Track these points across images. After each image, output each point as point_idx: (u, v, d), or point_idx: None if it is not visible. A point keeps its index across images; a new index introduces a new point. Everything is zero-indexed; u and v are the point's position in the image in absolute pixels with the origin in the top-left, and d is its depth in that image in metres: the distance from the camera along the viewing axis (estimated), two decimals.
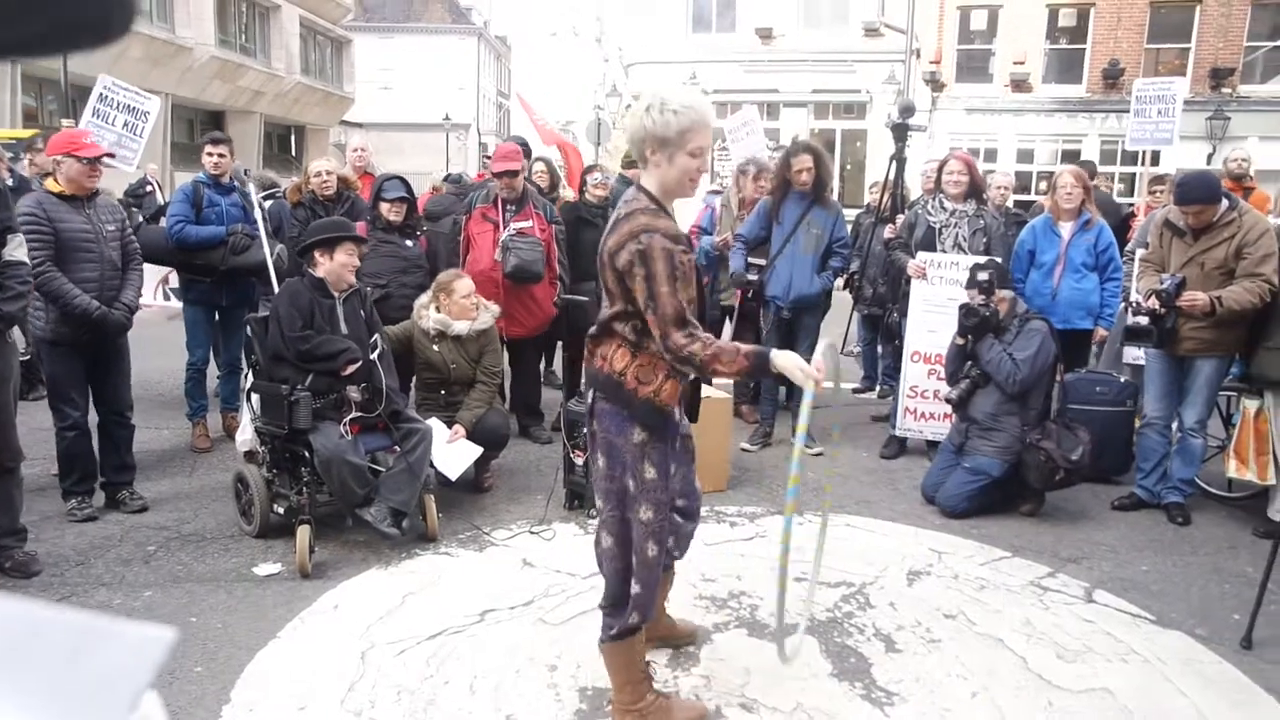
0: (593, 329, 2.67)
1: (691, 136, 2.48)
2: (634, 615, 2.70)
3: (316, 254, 4.27)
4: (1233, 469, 4.70)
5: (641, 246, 2.44)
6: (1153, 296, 4.58)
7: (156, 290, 6.44)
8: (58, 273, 4.27)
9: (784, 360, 2.49)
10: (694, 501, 3.03)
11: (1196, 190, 4.52)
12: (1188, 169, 5.78)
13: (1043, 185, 18.05)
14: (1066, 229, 5.50)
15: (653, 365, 2.56)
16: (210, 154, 5.60)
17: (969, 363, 4.94)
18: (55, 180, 4.43)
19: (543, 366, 7.04)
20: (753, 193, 6.14)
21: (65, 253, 4.32)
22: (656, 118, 2.46)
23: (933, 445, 5.62)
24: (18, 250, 3.98)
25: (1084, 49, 20.01)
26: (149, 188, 11.95)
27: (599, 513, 2.75)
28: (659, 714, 2.78)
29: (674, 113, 2.46)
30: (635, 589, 2.68)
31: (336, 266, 4.24)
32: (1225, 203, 4.55)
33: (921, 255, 5.58)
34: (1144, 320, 4.64)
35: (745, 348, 2.54)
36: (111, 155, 4.58)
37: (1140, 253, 5.02)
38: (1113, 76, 19.45)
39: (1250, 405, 4.61)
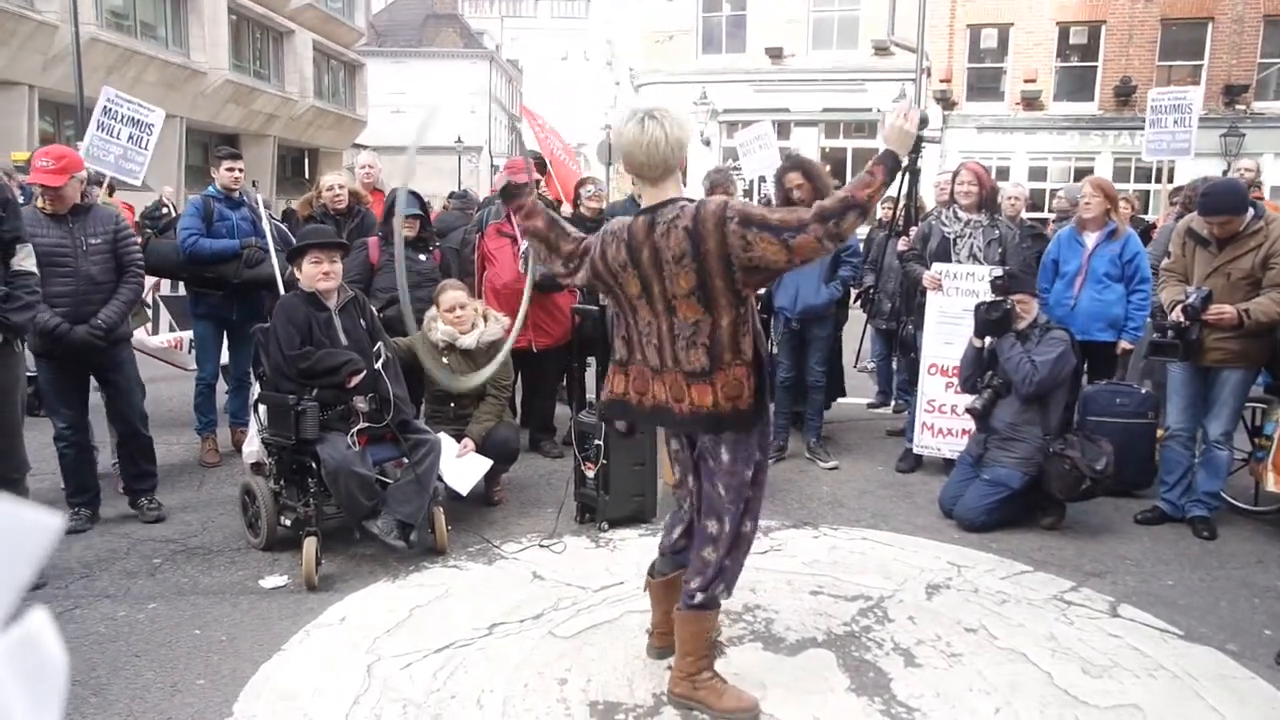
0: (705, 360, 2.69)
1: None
2: (720, 587, 2.89)
3: (293, 268, 4.24)
4: (1271, 483, 4.57)
5: (734, 215, 2.56)
6: (1177, 309, 4.48)
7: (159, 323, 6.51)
8: None
9: (899, 148, 2.65)
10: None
11: (1223, 200, 4.42)
12: (1212, 177, 5.71)
13: (1055, 203, 17.97)
14: (1091, 239, 5.42)
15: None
16: (231, 169, 5.63)
17: (989, 372, 4.86)
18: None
19: None
20: None
21: (41, 269, 4.27)
22: (677, 129, 2.64)
23: (950, 461, 5.52)
24: (26, 260, 3.97)
25: (1095, 66, 19.96)
26: (164, 209, 12.02)
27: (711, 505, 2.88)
28: (709, 691, 2.89)
29: (680, 123, 2.67)
30: (728, 561, 2.88)
31: (306, 278, 4.20)
32: (1251, 211, 4.46)
33: (936, 266, 5.51)
34: (1169, 334, 4.53)
35: (870, 170, 2.59)
36: (53, 185, 4.40)
37: (1163, 262, 4.93)
38: (1125, 94, 19.39)
39: None
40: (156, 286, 6.39)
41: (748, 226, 2.53)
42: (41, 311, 4.26)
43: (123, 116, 5.87)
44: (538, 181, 6.07)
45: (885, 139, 2.67)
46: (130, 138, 5.85)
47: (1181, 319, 4.43)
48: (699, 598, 2.89)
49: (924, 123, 6.47)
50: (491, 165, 39.76)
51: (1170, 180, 9.85)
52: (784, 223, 2.52)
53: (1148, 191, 18.89)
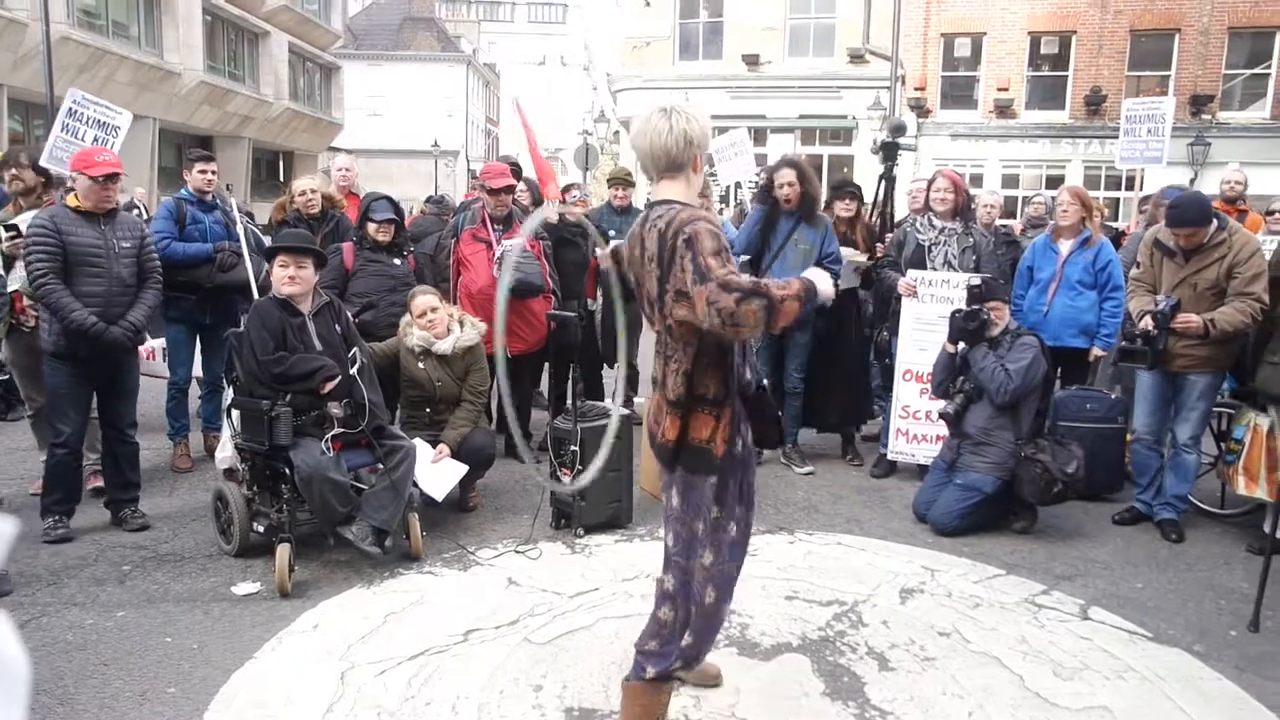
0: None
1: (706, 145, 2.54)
2: (678, 662, 2.63)
3: (268, 270, 4.24)
4: (1242, 486, 4.65)
5: (687, 235, 2.34)
6: (1146, 318, 4.57)
7: None
8: (59, 285, 4.24)
9: (820, 282, 2.44)
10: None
11: (1189, 212, 4.51)
12: (1178, 186, 5.80)
13: (1028, 210, 18.20)
14: (1065, 246, 5.51)
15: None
16: (204, 171, 5.58)
17: (961, 377, 4.92)
18: (75, 196, 4.42)
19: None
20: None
21: (72, 267, 4.30)
22: (683, 123, 2.45)
23: (924, 467, 5.56)
24: None
25: (1066, 76, 20.28)
26: (135, 211, 11.89)
27: (665, 553, 2.66)
28: None
29: (691, 118, 2.48)
30: (687, 638, 2.61)
31: (274, 280, 4.18)
32: (1215, 223, 4.55)
33: (912, 273, 5.55)
34: (1138, 342, 4.62)
35: (789, 287, 2.34)
36: (122, 173, 4.52)
37: (1132, 272, 5.02)
38: (1095, 103, 19.70)
39: (1263, 422, 4.56)
40: None
41: (689, 248, 2.32)
42: (78, 311, 4.23)
43: (88, 119, 5.77)
44: (512, 187, 6.06)
45: (811, 274, 2.48)
46: (95, 140, 5.75)
47: (1150, 327, 4.51)
48: (650, 671, 2.62)
49: (900, 130, 6.59)
50: (469, 169, 39.63)
51: (1140, 188, 9.97)
52: (708, 267, 2.27)
53: (1118, 199, 19.17)
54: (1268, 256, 4.74)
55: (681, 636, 2.62)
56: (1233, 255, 4.47)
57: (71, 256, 4.29)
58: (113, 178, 4.40)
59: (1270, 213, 5.92)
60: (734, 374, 2.50)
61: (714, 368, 2.46)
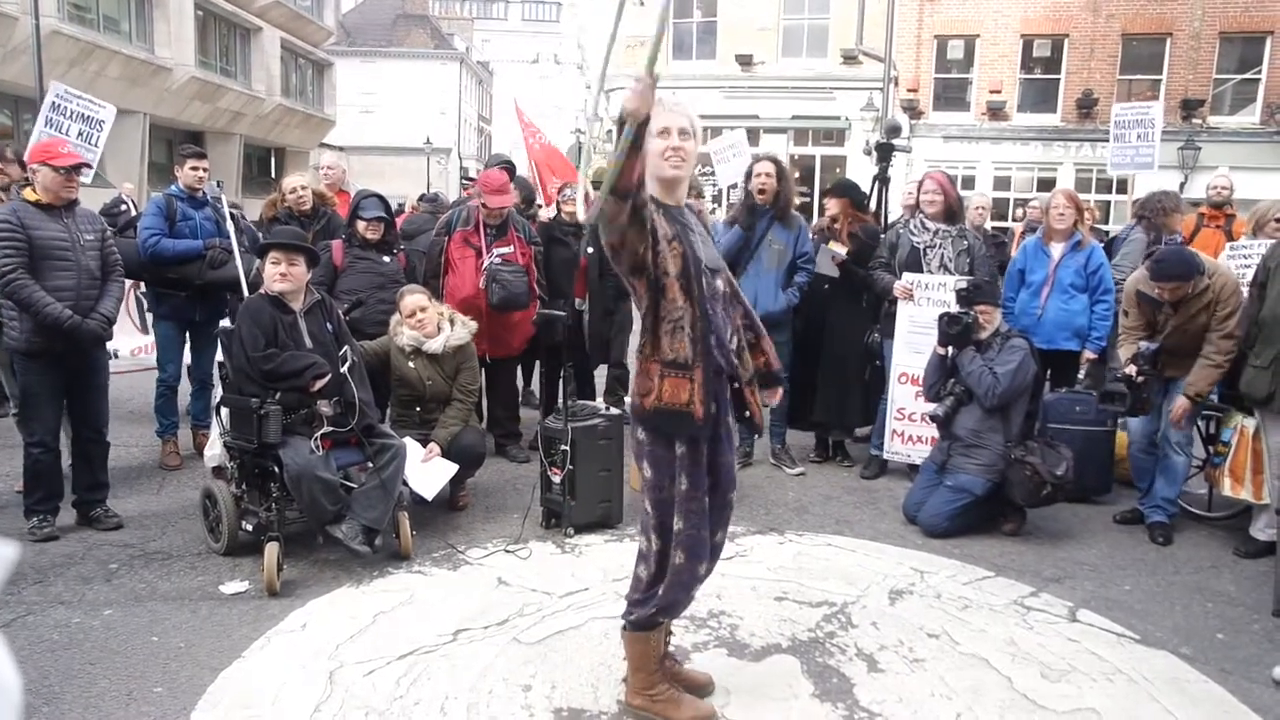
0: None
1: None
2: (651, 609, 2.80)
3: (258, 267, 4.22)
4: (1228, 488, 4.68)
5: None
6: (1130, 365, 4.63)
7: (130, 313, 6.39)
8: (29, 280, 4.16)
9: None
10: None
11: (1173, 268, 4.56)
12: (1171, 193, 5.84)
13: (1019, 212, 18.30)
14: (1057, 250, 5.53)
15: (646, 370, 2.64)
16: (196, 168, 5.55)
17: (951, 379, 4.93)
18: (33, 189, 4.35)
19: (520, 385, 6.96)
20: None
21: (40, 261, 4.24)
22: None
23: (914, 467, 5.57)
24: None
25: (1058, 79, 20.36)
26: (123, 207, 11.79)
27: (643, 516, 2.82)
28: (667, 704, 2.88)
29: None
30: (659, 591, 2.79)
31: (265, 277, 4.18)
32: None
33: (908, 276, 5.55)
34: (1120, 387, 4.69)
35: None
36: (89, 165, 4.51)
37: (1122, 322, 5.04)
38: (1086, 106, 19.78)
39: (1249, 424, 4.60)
40: (137, 285, 6.28)
41: None
42: (51, 305, 4.17)
43: (72, 113, 5.73)
44: (506, 206, 6.04)
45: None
46: (80, 134, 5.71)
47: (1134, 373, 4.56)
48: (632, 615, 2.85)
49: (896, 131, 6.60)
50: (460, 167, 39.54)
51: (1132, 191, 9.99)
52: None
53: (1109, 202, 19.26)
54: (1254, 260, 4.78)
55: (657, 589, 2.80)
56: (1216, 297, 4.56)
57: (38, 251, 4.21)
58: (76, 169, 4.37)
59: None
60: (701, 342, 2.60)
61: (668, 332, 2.59)
